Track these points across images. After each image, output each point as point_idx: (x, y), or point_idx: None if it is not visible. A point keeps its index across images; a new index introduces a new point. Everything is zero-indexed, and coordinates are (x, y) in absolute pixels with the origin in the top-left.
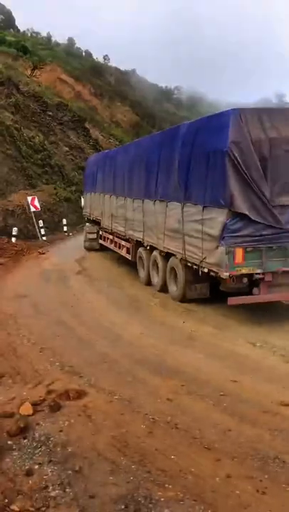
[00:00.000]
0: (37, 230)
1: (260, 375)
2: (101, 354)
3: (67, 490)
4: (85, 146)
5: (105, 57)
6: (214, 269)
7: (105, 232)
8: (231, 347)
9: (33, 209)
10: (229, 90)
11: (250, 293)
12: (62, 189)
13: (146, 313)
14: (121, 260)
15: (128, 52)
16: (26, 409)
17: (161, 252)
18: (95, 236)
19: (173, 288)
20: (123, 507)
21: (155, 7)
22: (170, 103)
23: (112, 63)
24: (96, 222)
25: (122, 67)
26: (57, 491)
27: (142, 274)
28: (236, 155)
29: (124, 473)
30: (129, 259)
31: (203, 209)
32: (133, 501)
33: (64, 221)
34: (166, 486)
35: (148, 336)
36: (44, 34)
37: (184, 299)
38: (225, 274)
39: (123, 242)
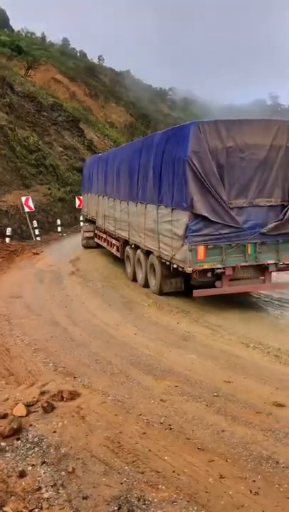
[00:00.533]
0: (31, 230)
1: (253, 375)
2: (95, 355)
3: (60, 491)
4: (80, 147)
5: (100, 58)
6: (181, 265)
7: (99, 231)
8: (225, 348)
9: (27, 209)
10: (223, 92)
11: (214, 286)
12: (57, 189)
13: (140, 314)
14: (115, 261)
15: (123, 53)
16: (20, 410)
17: (142, 249)
18: (91, 234)
19: (152, 282)
20: (116, 508)
21: (149, 8)
22: (164, 104)
23: (107, 64)
24: (93, 222)
25: (117, 68)
26: (50, 492)
27: (129, 270)
28: (195, 163)
29: (118, 474)
30: (119, 256)
31: (171, 211)
32: (126, 502)
33: (58, 221)
34: (160, 486)
35: (142, 337)
36: (38, 34)
37: (161, 292)
38: (189, 269)
39: (114, 241)
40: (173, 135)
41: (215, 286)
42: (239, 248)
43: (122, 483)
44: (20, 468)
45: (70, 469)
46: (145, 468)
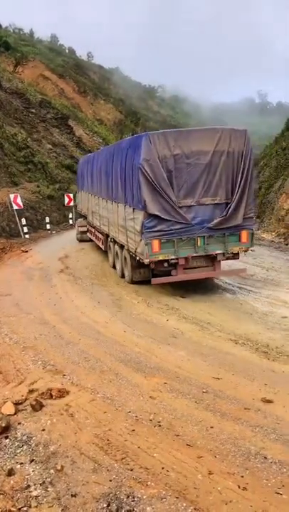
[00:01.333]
0: (20, 227)
1: (242, 372)
2: (84, 353)
3: (49, 489)
4: (69, 144)
5: (89, 55)
6: (141, 257)
7: (90, 226)
8: (213, 344)
9: (15, 207)
10: (212, 89)
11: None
12: (46, 187)
13: (130, 311)
14: (104, 259)
15: (112, 50)
16: (8, 408)
17: (118, 243)
18: (85, 229)
19: (126, 272)
20: (105, 505)
21: (139, 5)
22: (154, 101)
23: (96, 61)
24: (86, 217)
25: (106, 65)
26: (39, 491)
27: (110, 260)
28: (147, 169)
29: (107, 472)
30: (103, 249)
31: (133, 210)
32: (115, 499)
33: (47, 219)
34: (149, 483)
35: (131, 334)
36: (27, 30)
37: (132, 281)
38: (146, 261)
39: (100, 235)
40: (132, 143)
41: (171, 275)
42: (190, 241)
43: (111, 481)
44: (8, 467)
45: (59, 467)
46: (134, 465)
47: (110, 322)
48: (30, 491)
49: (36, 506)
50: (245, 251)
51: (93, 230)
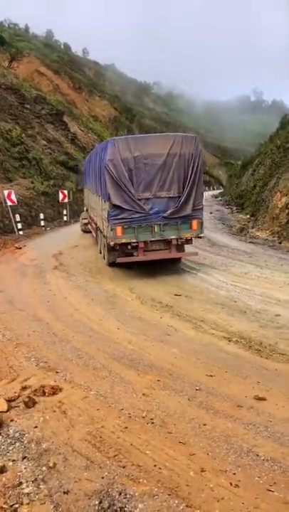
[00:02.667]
0: (13, 224)
1: (235, 369)
2: (77, 350)
3: (41, 486)
4: (64, 140)
5: (84, 51)
6: (109, 241)
7: (89, 218)
8: (207, 342)
9: (9, 203)
10: (208, 87)
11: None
12: (40, 183)
13: (123, 309)
14: (98, 256)
15: (107, 47)
16: (0, 405)
17: (100, 230)
18: (87, 221)
19: (104, 255)
20: (97, 502)
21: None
22: (149, 98)
23: (91, 57)
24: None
25: (101, 61)
26: (31, 488)
27: (98, 246)
28: (111, 168)
29: (99, 469)
30: (95, 237)
31: (104, 202)
32: (108, 496)
33: (41, 215)
34: (141, 480)
35: (124, 331)
36: (22, 25)
37: (108, 263)
38: (111, 243)
39: (94, 225)
40: (103, 147)
41: (132, 256)
42: (148, 228)
43: (103, 478)
44: (0, 464)
45: (51, 464)
46: (127, 462)
47: (104, 319)
48: (22, 488)
49: (28, 503)
50: (198, 237)
51: (90, 221)
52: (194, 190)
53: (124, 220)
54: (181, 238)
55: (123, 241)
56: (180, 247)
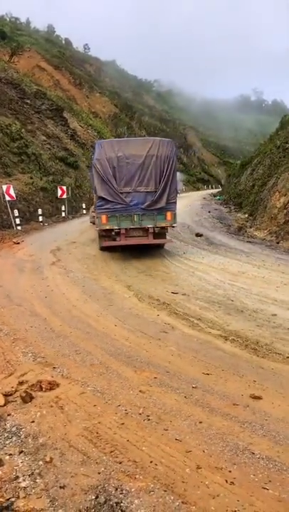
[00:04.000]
0: (12, 219)
1: (231, 368)
2: (74, 345)
3: (37, 480)
4: (63, 136)
5: (85, 47)
6: (96, 228)
7: None
8: (204, 340)
9: (8, 198)
10: (208, 85)
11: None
12: (39, 179)
13: (121, 306)
14: (97, 252)
15: (108, 43)
16: None
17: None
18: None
19: (98, 241)
20: (94, 497)
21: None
22: (149, 95)
23: (92, 53)
24: None
25: (102, 58)
26: (27, 482)
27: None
28: (98, 166)
29: (96, 464)
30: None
31: (94, 194)
32: (104, 492)
33: (40, 211)
34: (137, 476)
35: (122, 328)
36: (23, 20)
37: (100, 248)
38: (97, 229)
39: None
40: (94, 147)
41: (116, 241)
42: (128, 217)
43: (99, 473)
44: None
45: (48, 459)
46: (123, 458)
47: (101, 316)
48: (18, 482)
49: (24, 497)
50: (172, 227)
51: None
52: (168, 187)
53: (108, 210)
54: (157, 227)
55: (107, 227)
56: (157, 235)
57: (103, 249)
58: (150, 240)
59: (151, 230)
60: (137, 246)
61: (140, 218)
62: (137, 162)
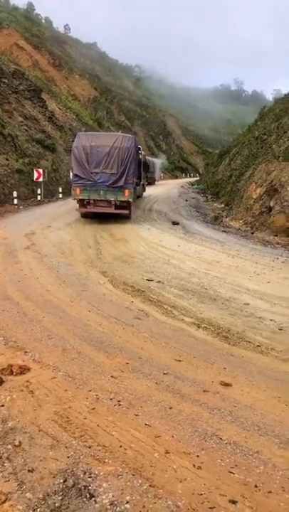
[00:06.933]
0: None
1: (202, 355)
2: (47, 330)
3: (5, 464)
4: (41, 118)
5: (66, 27)
6: (72, 197)
7: None
8: (177, 327)
9: None
10: (189, 74)
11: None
12: (15, 160)
13: (95, 291)
14: (73, 238)
15: (90, 25)
16: None
17: None
18: None
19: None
20: (62, 481)
21: None
22: (129, 80)
23: (73, 34)
24: None
25: (83, 40)
26: None
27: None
28: (75, 151)
29: (65, 448)
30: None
31: (72, 172)
32: (72, 475)
33: (15, 194)
34: (106, 460)
35: (95, 314)
36: None
37: (81, 215)
38: (72, 199)
39: None
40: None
41: (86, 208)
42: (96, 191)
43: (68, 457)
44: None
45: (17, 443)
46: (92, 442)
47: (75, 301)
48: None
49: None
50: (128, 202)
51: None
52: (127, 170)
53: (81, 184)
54: (118, 200)
55: (80, 197)
56: (118, 207)
57: (81, 215)
58: (112, 210)
59: (113, 203)
60: (104, 214)
61: (105, 193)
62: (105, 151)
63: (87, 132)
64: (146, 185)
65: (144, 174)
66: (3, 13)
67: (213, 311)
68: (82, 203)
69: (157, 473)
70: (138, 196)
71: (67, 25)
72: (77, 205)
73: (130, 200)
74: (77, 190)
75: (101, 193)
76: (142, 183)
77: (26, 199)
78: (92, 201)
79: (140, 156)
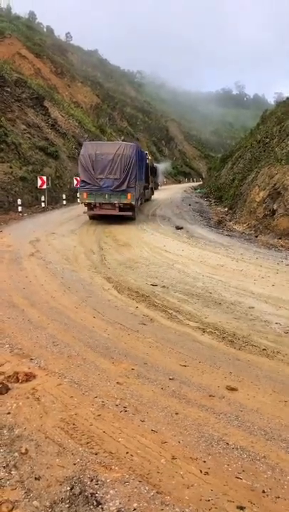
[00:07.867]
0: None
1: (208, 360)
2: (52, 337)
3: (12, 472)
4: (44, 125)
5: (67, 35)
6: (80, 201)
7: None
8: (182, 332)
9: None
10: (191, 78)
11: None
12: (18, 168)
13: (100, 297)
14: (77, 244)
15: (91, 32)
16: None
17: None
18: None
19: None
20: (69, 488)
21: None
22: (131, 86)
23: (75, 42)
24: None
25: (85, 47)
26: (2, 473)
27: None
28: (82, 159)
29: (71, 455)
30: None
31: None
32: (79, 482)
33: (19, 201)
34: (113, 467)
35: (100, 320)
36: (3, 5)
37: (89, 217)
38: (80, 201)
39: None
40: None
41: (93, 210)
42: (101, 195)
43: (75, 464)
44: None
45: (24, 450)
46: (99, 449)
47: (80, 307)
48: None
49: None
50: (131, 204)
51: None
52: (129, 176)
53: (88, 189)
54: (121, 203)
55: (87, 201)
56: (122, 209)
57: (89, 217)
58: (117, 212)
59: (117, 205)
60: (109, 216)
61: (110, 196)
62: (109, 158)
63: (93, 142)
64: None
65: (152, 178)
66: (5, 23)
67: (218, 315)
68: (89, 206)
69: (164, 479)
70: (147, 199)
71: (68, 33)
72: (85, 208)
73: (133, 202)
74: (85, 195)
75: (106, 196)
76: (150, 186)
77: (30, 206)
78: (98, 204)
79: (147, 161)
